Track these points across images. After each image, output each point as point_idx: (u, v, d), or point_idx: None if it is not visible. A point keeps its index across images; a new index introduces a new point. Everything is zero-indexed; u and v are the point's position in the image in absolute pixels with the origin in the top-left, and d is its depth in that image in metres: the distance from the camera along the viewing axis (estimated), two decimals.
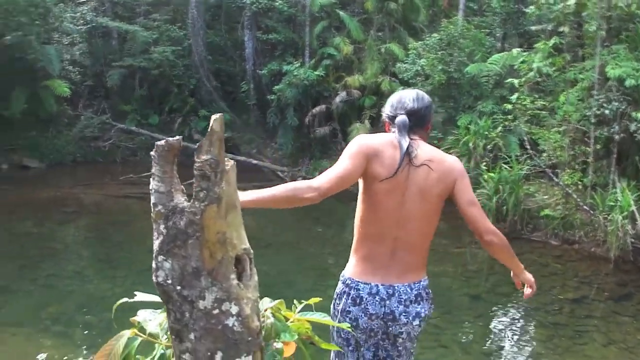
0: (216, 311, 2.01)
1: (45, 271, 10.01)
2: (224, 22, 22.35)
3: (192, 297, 2.00)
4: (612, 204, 10.79)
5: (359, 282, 3.20)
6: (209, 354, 2.05)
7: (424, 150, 3.16)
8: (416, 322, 3.20)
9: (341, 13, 18.94)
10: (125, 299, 2.76)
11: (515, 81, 12.30)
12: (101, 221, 14.05)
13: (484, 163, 12.92)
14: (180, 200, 1.94)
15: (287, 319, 2.81)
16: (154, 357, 2.42)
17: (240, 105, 21.60)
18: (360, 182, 3.19)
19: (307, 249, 11.70)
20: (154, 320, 2.47)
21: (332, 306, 3.32)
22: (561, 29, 12.37)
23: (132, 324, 2.50)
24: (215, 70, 22.13)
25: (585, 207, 11.49)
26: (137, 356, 2.34)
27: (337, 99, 17.86)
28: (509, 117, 12.82)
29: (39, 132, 19.45)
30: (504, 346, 7.90)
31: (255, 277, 2.15)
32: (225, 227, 1.98)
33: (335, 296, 3.33)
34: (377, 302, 3.16)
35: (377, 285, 3.17)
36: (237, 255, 2.07)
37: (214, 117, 1.94)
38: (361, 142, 3.16)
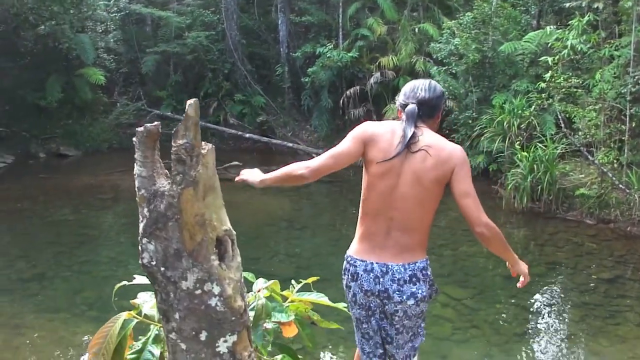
0: (198, 291, 2.07)
1: (80, 257, 10.16)
2: (257, 6, 22.33)
3: (175, 277, 2.06)
4: None
5: (356, 259, 3.38)
6: (193, 333, 2.11)
7: (426, 137, 3.27)
8: (411, 301, 3.29)
9: None
10: (124, 282, 2.82)
11: (550, 59, 12.15)
12: (135, 207, 14.13)
13: (519, 142, 12.79)
14: (163, 184, 2.07)
15: (286, 299, 2.87)
16: (148, 337, 2.49)
17: (275, 88, 21.63)
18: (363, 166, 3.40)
19: (342, 230, 11.71)
20: (149, 302, 2.55)
21: None
22: (595, 5, 12.18)
23: (132, 306, 2.57)
24: (249, 54, 22.15)
25: (621, 185, 11.36)
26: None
27: (371, 80, 17.79)
28: (543, 95, 12.68)
29: (75, 121, 19.75)
30: (536, 327, 7.88)
31: (238, 259, 2.24)
32: (203, 209, 2.05)
33: (342, 273, 3.52)
34: (371, 279, 3.31)
35: (372, 263, 3.32)
36: (218, 236, 2.15)
37: (188, 102, 1.99)
38: (363, 127, 3.39)
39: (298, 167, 3.29)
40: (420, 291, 3.30)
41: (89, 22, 21.07)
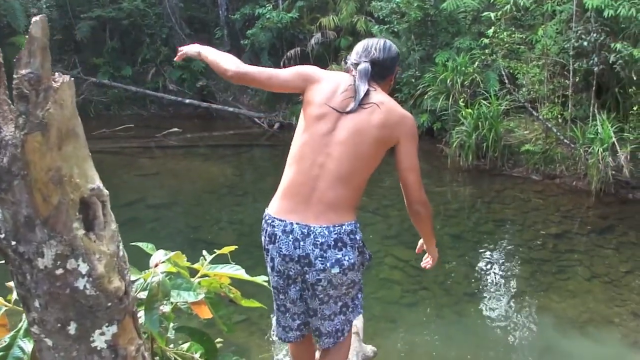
0: (60, 271, 1.58)
1: None
2: None
3: (29, 254, 1.56)
4: (592, 136, 10.68)
5: (274, 218, 2.97)
6: (59, 325, 1.62)
7: (377, 96, 3.01)
8: (335, 269, 2.89)
9: None
10: None
11: (492, 15, 12.01)
12: None
13: (462, 100, 12.69)
14: (9, 131, 1.56)
15: (195, 274, 2.41)
16: (19, 329, 2.03)
17: None
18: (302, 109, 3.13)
19: None
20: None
21: None
22: None
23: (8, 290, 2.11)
24: (187, 17, 21.57)
25: (565, 140, 11.38)
26: None
27: (312, 41, 17.44)
28: (487, 51, 12.58)
29: (8, 90, 18.87)
30: (486, 285, 7.81)
31: (113, 226, 1.74)
32: (59, 161, 1.56)
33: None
34: (290, 242, 2.90)
35: (291, 223, 2.91)
36: (82, 198, 1.64)
37: (33, 19, 1.55)
38: (309, 67, 3.18)
39: (228, 63, 3.16)
40: (346, 258, 2.90)
41: None
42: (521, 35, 12.26)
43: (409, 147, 2.97)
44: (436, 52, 14.37)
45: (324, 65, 16.52)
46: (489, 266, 8.36)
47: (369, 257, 3.10)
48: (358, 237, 2.97)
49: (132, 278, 2.08)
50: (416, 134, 3.05)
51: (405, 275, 7.89)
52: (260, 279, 2.75)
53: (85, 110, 19.56)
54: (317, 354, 3.44)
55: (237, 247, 2.49)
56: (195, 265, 2.48)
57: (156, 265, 2.16)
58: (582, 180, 10.91)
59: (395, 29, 15.29)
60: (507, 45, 12.11)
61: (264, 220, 3.05)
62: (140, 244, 2.34)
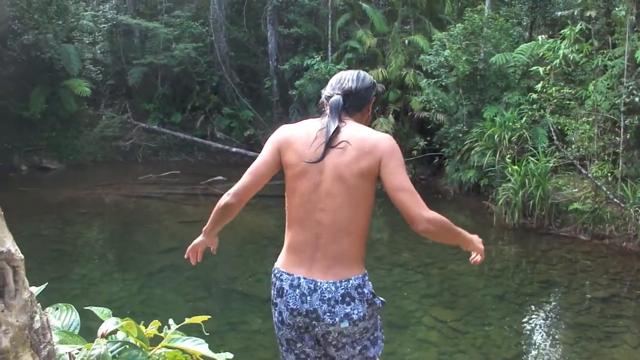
0: None
1: (50, 274, 9.69)
2: (246, 18, 22.02)
3: None
4: None
5: (282, 272, 2.95)
6: None
7: (349, 130, 2.93)
8: (345, 323, 2.82)
9: (364, 5, 18.46)
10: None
11: (541, 69, 11.83)
12: (115, 222, 13.83)
13: (510, 156, 12.43)
14: None
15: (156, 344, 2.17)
16: None
17: (264, 101, 21.29)
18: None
19: None
20: None
21: None
22: (588, 13, 11.85)
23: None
24: (238, 66, 21.85)
25: (615, 200, 11.00)
26: None
27: None
28: (535, 106, 12.36)
29: (59, 133, 19.30)
30: (527, 351, 7.46)
31: (26, 294, 1.56)
32: None
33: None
34: (297, 297, 2.86)
35: (299, 278, 2.88)
36: None
37: None
38: (276, 132, 3.12)
39: (222, 200, 3.05)
40: (355, 312, 2.83)
41: (76, 33, 20.75)
42: (570, 91, 12.02)
43: (392, 165, 2.83)
44: (484, 106, 14.19)
45: (371, 119, 16.43)
46: (531, 330, 8.01)
47: (381, 305, 2.96)
48: (366, 291, 2.89)
49: (70, 349, 1.88)
50: (397, 151, 2.89)
51: (442, 337, 7.60)
52: (224, 356, 2.59)
53: (134, 154, 19.86)
54: None
55: (210, 317, 2.27)
56: (149, 332, 2.23)
57: (102, 336, 1.95)
58: (633, 242, 10.52)
59: (444, 83, 15.19)
60: (555, 100, 11.86)
61: (273, 274, 3.02)
62: (94, 309, 2.14)
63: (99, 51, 21.37)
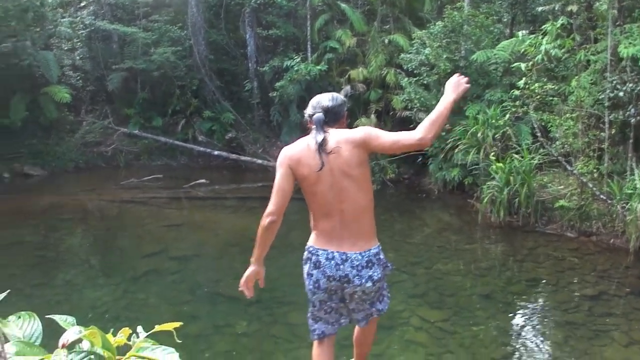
0: None
1: (33, 280, 9.55)
2: (225, 21, 21.77)
3: None
4: (630, 191, 10.25)
5: (317, 248, 3.85)
6: None
7: (334, 136, 3.81)
8: (369, 284, 3.83)
9: (343, 5, 18.37)
10: None
11: (523, 65, 11.71)
12: (98, 227, 13.61)
13: (494, 153, 12.31)
14: None
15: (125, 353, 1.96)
16: None
17: (245, 104, 21.10)
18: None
19: None
20: None
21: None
22: (569, 8, 11.73)
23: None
24: (217, 69, 21.64)
25: (602, 196, 10.91)
26: None
27: (341, 94, 17.23)
28: (517, 103, 12.24)
29: (40, 140, 19.03)
30: (515, 350, 7.30)
31: None
32: None
33: (302, 263, 3.97)
34: (332, 266, 3.80)
35: (332, 252, 3.81)
36: None
37: None
38: (282, 154, 3.90)
39: (264, 221, 3.78)
40: (375, 274, 3.84)
41: (54, 40, 20.58)
42: (553, 87, 11.90)
43: (373, 137, 3.76)
44: (467, 104, 14.04)
45: (353, 119, 16.28)
46: (519, 329, 7.86)
47: (390, 267, 4.05)
48: (382, 257, 3.94)
49: (36, 359, 1.70)
50: (371, 128, 3.91)
51: (430, 337, 7.46)
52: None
53: (116, 159, 19.71)
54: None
55: (182, 323, 2.09)
56: (118, 340, 2.00)
57: (63, 346, 1.77)
58: (620, 238, 10.43)
59: (425, 82, 15.07)
60: (538, 97, 11.75)
61: (307, 252, 3.92)
62: (57, 318, 1.96)
63: (78, 57, 21.16)
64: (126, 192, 15.84)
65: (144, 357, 1.87)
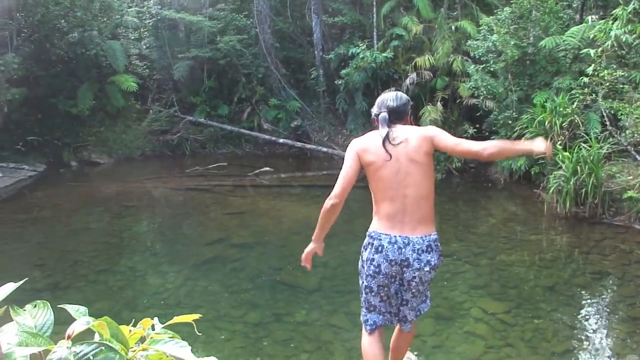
0: None
1: (97, 266, 9.77)
2: (291, 9, 21.88)
3: None
4: None
5: (380, 233, 4.08)
6: None
7: (402, 131, 4.16)
8: (427, 268, 4.06)
9: None
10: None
11: (592, 51, 11.40)
12: (162, 214, 13.84)
13: (561, 142, 12.05)
14: None
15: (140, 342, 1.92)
16: None
17: (311, 92, 21.14)
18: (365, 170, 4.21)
19: None
20: None
21: (359, 259, 4.31)
22: None
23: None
24: (283, 57, 21.73)
25: None
26: None
27: (407, 81, 17.09)
28: (586, 90, 11.92)
29: (108, 128, 19.53)
30: (578, 345, 7.14)
31: None
32: None
33: (362, 249, 4.24)
34: (395, 250, 4.02)
35: (395, 236, 4.04)
36: None
37: None
38: (352, 145, 4.24)
39: (327, 203, 4.08)
40: (433, 259, 4.08)
41: (121, 29, 21.00)
42: (624, 74, 11.56)
43: (441, 137, 4.09)
44: (534, 92, 13.81)
45: (419, 106, 16.14)
46: (582, 323, 7.69)
47: (442, 260, 4.23)
48: (439, 244, 4.18)
49: (30, 351, 1.68)
50: (441, 130, 4.22)
51: (490, 330, 7.34)
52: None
53: (181, 147, 19.99)
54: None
55: (200, 315, 2.08)
56: (137, 331, 1.98)
57: (69, 337, 1.74)
58: None
59: (492, 69, 14.85)
60: (608, 84, 11.44)
61: (369, 237, 4.17)
62: (68, 307, 1.95)
63: (144, 46, 21.61)
64: (191, 180, 16.06)
65: (156, 350, 1.85)
